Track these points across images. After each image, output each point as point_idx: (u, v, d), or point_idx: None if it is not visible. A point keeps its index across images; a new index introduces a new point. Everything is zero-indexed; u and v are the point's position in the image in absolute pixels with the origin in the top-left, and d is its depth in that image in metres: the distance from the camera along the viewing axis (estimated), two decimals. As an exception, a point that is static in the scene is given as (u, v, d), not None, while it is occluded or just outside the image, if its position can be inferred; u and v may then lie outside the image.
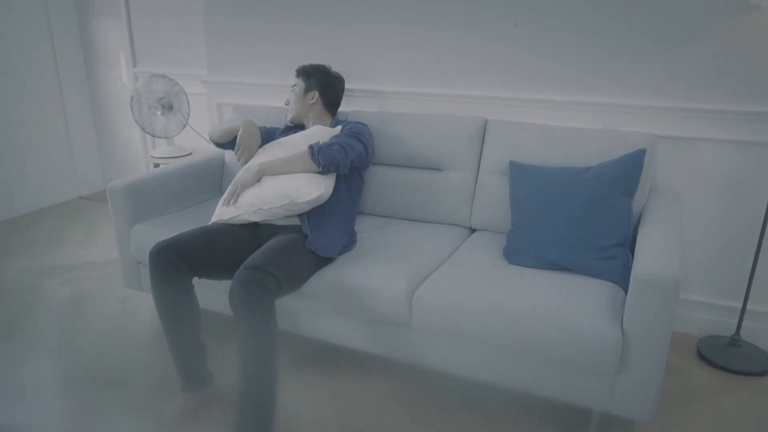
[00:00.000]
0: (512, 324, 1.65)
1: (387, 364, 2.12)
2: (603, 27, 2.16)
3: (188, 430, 1.81)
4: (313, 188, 1.94)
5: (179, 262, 1.83)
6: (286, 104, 2.33)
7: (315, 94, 2.26)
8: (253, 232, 2.04)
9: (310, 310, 1.96)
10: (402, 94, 2.57)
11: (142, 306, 2.58)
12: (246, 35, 2.87)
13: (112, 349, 2.26)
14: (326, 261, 1.97)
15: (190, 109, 3.22)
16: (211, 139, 2.33)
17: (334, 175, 2.07)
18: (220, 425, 1.82)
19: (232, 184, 2.05)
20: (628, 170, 1.90)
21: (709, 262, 2.27)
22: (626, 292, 1.72)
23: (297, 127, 2.34)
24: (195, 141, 3.46)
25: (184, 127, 3.20)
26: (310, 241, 1.92)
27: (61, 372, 2.11)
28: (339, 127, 2.20)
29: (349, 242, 2.08)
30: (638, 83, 2.17)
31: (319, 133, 2.14)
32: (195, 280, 1.91)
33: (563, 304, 1.64)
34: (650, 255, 1.58)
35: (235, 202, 2.02)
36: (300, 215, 2.02)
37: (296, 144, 2.10)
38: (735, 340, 2.17)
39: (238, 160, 2.18)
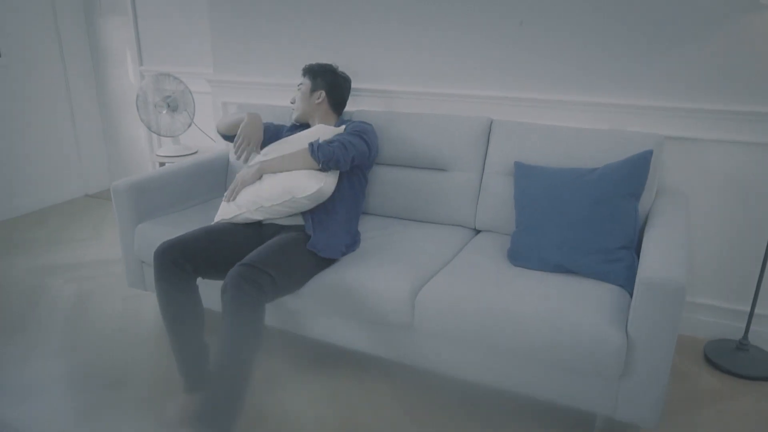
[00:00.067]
0: (515, 327, 1.63)
1: (388, 365, 2.11)
2: (608, 27, 2.14)
3: (190, 430, 1.80)
4: (313, 183, 1.93)
5: (184, 263, 1.83)
6: (292, 103, 2.33)
7: (321, 94, 2.26)
8: (258, 232, 2.04)
9: (311, 311, 1.95)
10: (408, 93, 2.56)
11: (146, 305, 2.59)
12: (252, 34, 2.86)
13: (115, 348, 2.26)
14: (328, 262, 1.96)
15: (195, 107, 3.22)
16: (218, 131, 2.33)
17: (337, 172, 2.06)
18: (221, 426, 1.81)
19: (233, 181, 2.05)
20: (635, 171, 1.88)
21: (716, 265, 2.24)
22: (631, 295, 1.70)
23: (303, 126, 2.33)
24: (200, 140, 3.47)
25: (190, 125, 3.21)
26: (312, 243, 1.91)
27: (64, 371, 2.11)
28: (343, 126, 2.19)
29: (352, 242, 2.07)
30: (646, 83, 2.14)
31: (323, 131, 2.14)
32: (199, 280, 1.91)
33: (567, 307, 1.62)
34: (656, 258, 1.56)
35: (234, 199, 2.02)
36: (303, 214, 2.02)
37: (299, 142, 2.09)
38: (743, 344, 2.15)
39: (236, 152, 2.12)
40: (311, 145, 1.98)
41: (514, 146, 2.16)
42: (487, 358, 1.74)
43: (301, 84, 2.30)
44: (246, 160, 2.15)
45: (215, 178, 2.67)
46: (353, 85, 2.48)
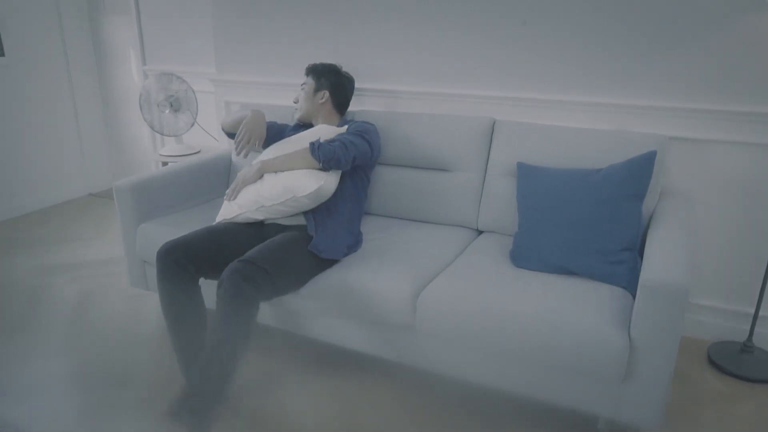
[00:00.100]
0: (516, 329, 1.62)
1: (389, 366, 2.10)
2: (610, 27, 2.13)
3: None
4: (313, 182, 1.93)
5: (187, 263, 1.83)
6: (295, 102, 2.32)
7: (325, 94, 2.25)
8: (260, 232, 2.04)
9: (312, 311, 1.95)
10: (411, 93, 2.55)
11: (148, 305, 2.59)
12: (254, 34, 2.86)
13: (116, 348, 2.26)
14: (330, 262, 1.95)
15: (198, 107, 3.22)
16: (222, 129, 2.32)
17: (338, 172, 2.05)
18: (224, 428, 1.81)
19: (234, 180, 2.05)
20: (638, 172, 1.86)
21: (721, 266, 2.22)
22: (634, 297, 1.69)
23: (306, 126, 2.33)
24: (203, 139, 3.47)
25: (192, 125, 3.21)
26: (314, 244, 1.91)
27: (65, 370, 2.11)
28: (345, 127, 2.18)
29: (354, 243, 2.07)
30: (650, 83, 2.13)
31: (325, 131, 2.13)
32: (201, 280, 1.90)
33: (569, 309, 1.61)
34: (659, 260, 1.55)
35: (235, 197, 2.02)
36: (305, 214, 2.01)
37: (301, 142, 2.09)
38: (747, 347, 2.13)
39: (236, 148, 2.09)
40: (312, 144, 1.98)
41: (517, 146, 2.15)
42: (489, 359, 1.74)
43: (304, 84, 2.29)
44: (246, 156, 2.13)
45: (217, 178, 2.67)
46: (357, 84, 2.47)
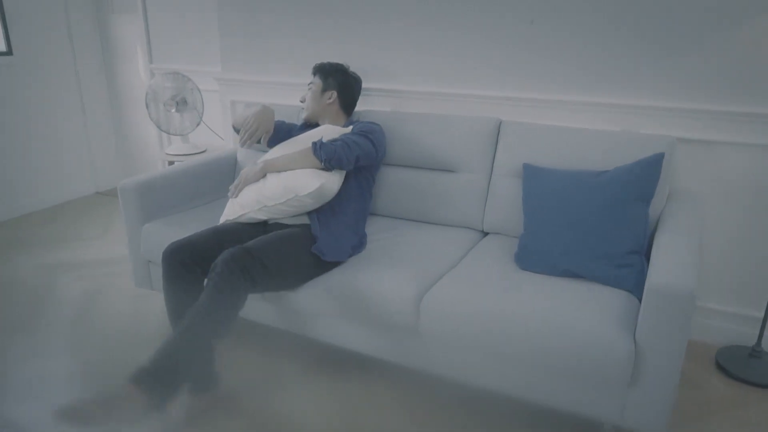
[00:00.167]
0: (521, 332, 1.61)
1: (392, 368, 2.09)
2: (614, 27, 2.10)
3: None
4: (314, 181, 1.91)
5: (192, 264, 1.83)
6: (302, 102, 2.31)
7: (333, 94, 2.24)
8: (264, 232, 2.03)
9: (315, 312, 1.94)
10: (417, 93, 2.54)
11: (153, 305, 2.59)
12: (260, 33, 2.85)
13: (121, 348, 2.26)
14: (333, 264, 1.94)
15: (204, 106, 3.22)
16: (234, 128, 2.29)
17: (342, 172, 2.04)
18: (225, 428, 1.80)
19: (238, 177, 2.04)
20: (646, 174, 1.84)
21: (729, 270, 2.19)
22: (641, 301, 1.67)
23: (312, 125, 2.32)
24: (209, 138, 3.47)
25: (198, 124, 3.21)
26: (317, 246, 1.90)
27: (70, 370, 2.12)
28: (350, 127, 2.17)
29: (359, 243, 2.06)
30: (658, 84, 2.10)
31: (329, 131, 2.12)
32: (206, 282, 1.90)
33: (574, 313, 1.60)
34: (666, 264, 1.53)
35: (237, 195, 2.01)
36: (309, 214, 2.00)
37: (305, 141, 2.08)
38: (756, 351, 2.10)
39: (241, 136, 2.06)
40: (314, 144, 1.97)
41: (523, 147, 2.13)
42: (492, 362, 1.72)
43: (311, 83, 2.28)
44: (248, 147, 2.11)
45: (222, 178, 2.67)
46: (364, 84, 2.46)
